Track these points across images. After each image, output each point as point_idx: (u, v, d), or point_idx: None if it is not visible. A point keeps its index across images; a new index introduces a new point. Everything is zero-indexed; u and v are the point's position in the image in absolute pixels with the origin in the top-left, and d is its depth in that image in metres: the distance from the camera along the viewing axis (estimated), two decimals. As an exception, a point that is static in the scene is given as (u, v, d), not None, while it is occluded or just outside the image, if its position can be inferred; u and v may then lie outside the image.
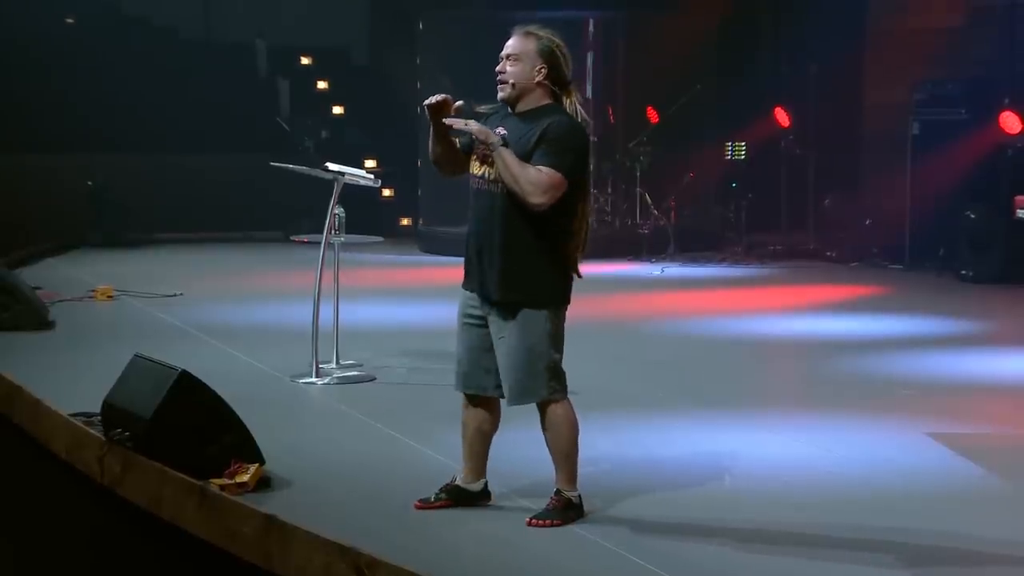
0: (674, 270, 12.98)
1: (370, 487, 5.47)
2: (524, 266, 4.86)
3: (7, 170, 14.00)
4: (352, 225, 7.93)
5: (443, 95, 4.91)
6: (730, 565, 4.62)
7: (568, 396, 4.99)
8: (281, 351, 8.25)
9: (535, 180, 4.76)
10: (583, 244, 4.95)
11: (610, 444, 6.17)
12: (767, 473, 5.78)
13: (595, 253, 13.63)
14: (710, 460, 5.98)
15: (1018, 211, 8.66)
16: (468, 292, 5.02)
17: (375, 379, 7.64)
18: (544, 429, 5.01)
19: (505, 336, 4.88)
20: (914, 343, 9.08)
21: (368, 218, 10.77)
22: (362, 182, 7.75)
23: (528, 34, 4.92)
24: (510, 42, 4.93)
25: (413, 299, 10.98)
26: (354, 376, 7.68)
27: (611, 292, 11.35)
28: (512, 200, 4.83)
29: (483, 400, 5.08)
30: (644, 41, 15.10)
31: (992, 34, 12.97)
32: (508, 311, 4.88)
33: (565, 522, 4.90)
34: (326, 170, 7.62)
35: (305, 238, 8.29)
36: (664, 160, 14.36)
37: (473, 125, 4.88)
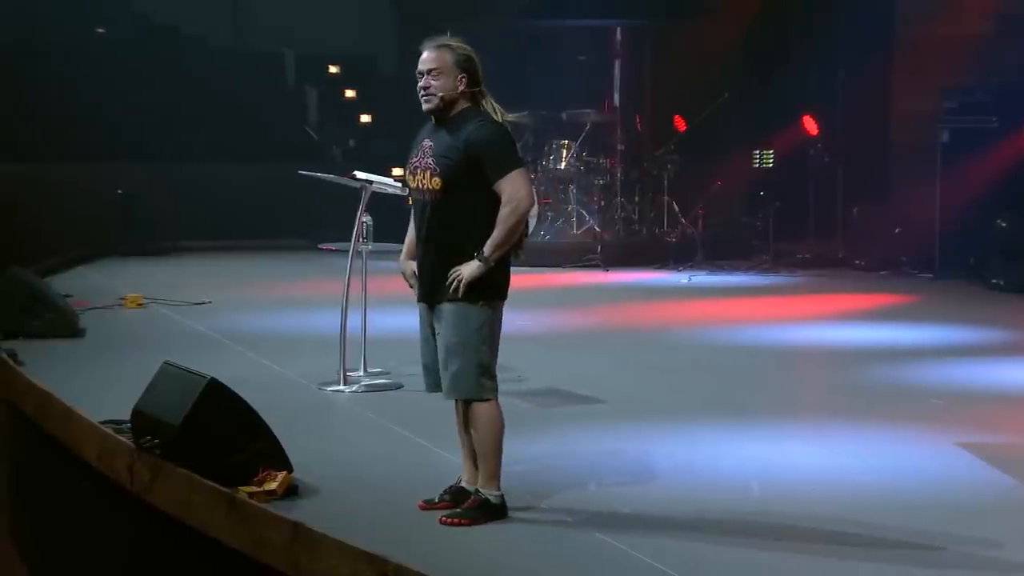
0: (701, 278, 12.94)
1: (398, 495, 5.47)
2: (454, 265, 5.04)
3: (37, 179, 14.08)
4: (380, 233, 7.95)
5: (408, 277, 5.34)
6: (758, 573, 4.61)
7: (498, 397, 5.11)
8: (309, 359, 8.28)
9: (512, 207, 4.96)
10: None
11: (638, 452, 6.16)
12: (796, 481, 5.75)
13: (622, 261, 13.81)
14: (738, 468, 5.96)
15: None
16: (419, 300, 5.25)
17: (402, 387, 7.65)
18: (469, 426, 5.12)
19: (440, 333, 5.11)
20: (944, 352, 9.02)
21: (395, 226, 10.74)
22: (389, 190, 7.76)
23: (443, 47, 5.21)
24: (427, 56, 5.20)
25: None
26: (381, 384, 7.69)
27: (638, 300, 11.19)
28: (440, 204, 5.07)
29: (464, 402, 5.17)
30: (671, 49, 15.09)
31: (1022, 41, 12.90)
32: (443, 309, 5.09)
33: (474, 522, 5.00)
34: (354, 179, 7.64)
35: (333, 246, 8.32)
36: (691, 168, 14.35)
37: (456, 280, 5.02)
